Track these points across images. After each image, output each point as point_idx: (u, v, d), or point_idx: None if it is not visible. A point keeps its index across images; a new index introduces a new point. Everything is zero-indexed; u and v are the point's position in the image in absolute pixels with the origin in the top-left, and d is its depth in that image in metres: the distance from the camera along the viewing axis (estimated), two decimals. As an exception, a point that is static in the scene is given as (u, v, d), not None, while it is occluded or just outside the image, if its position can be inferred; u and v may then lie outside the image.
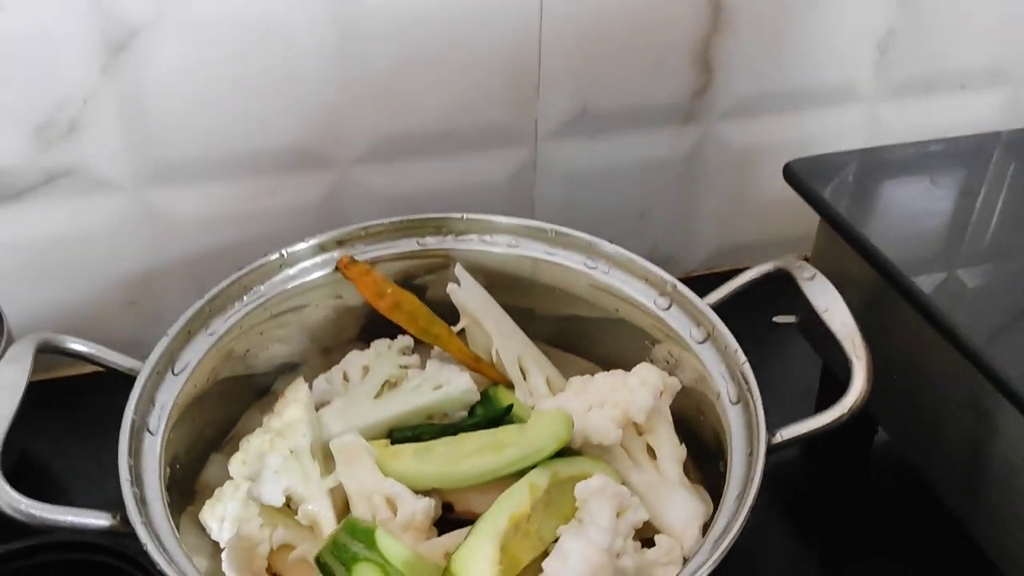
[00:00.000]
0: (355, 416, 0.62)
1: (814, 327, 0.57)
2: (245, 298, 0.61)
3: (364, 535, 0.50)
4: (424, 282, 0.67)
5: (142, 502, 0.48)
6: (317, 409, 0.62)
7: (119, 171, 0.66)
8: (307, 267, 0.63)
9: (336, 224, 0.64)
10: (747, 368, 0.54)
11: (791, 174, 0.62)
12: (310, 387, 0.63)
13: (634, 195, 0.79)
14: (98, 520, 0.47)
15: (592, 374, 0.62)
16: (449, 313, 0.66)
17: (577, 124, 0.74)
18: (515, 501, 0.53)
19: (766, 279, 0.59)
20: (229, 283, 0.60)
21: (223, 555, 0.55)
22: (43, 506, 0.46)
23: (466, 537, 0.51)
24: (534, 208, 0.76)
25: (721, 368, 0.56)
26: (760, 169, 0.80)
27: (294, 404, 0.58)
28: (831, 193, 0.61)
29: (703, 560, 0.46)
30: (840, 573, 0.62)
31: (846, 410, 0.51)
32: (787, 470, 0.50)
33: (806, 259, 0.61)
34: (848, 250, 0.58)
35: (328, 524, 0.55)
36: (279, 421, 0.57)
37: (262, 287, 0.61)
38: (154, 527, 0.47)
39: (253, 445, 0.57)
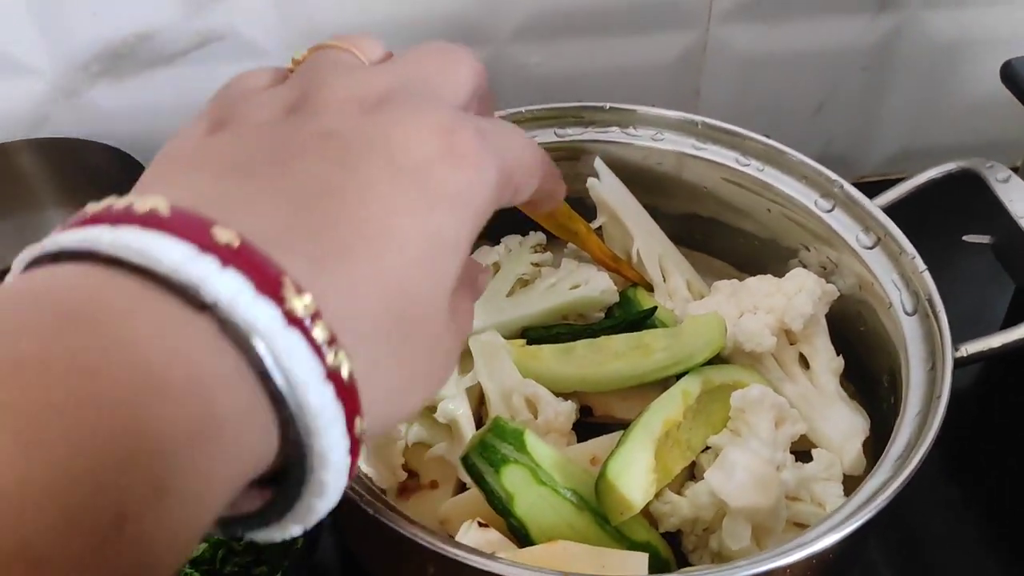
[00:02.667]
0: (488, 314, 0.59)
1: (1012, 248, 0.51)
2: (379, 187, 0.57)
3: (513, 436, 0.48)
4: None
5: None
6: (446, 305, 0.60)
7: (269, 37, 0.63)
8: (442, 155, 0.59)
9: (488, 105, 0.60)
10: (927, 276, 0.50)
11: (1012, 74, 0.56)
12: (439, 282, 0.60)
13: (812, 86, 0.73)
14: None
15: (733, 278, 0.59)
16: (582, 212, 0.62)
17: (757, 5, 0.67)
18: (669, 408, 0.51)
19: (949, 181, 0.53)
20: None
21: (357, 450, 0.54)
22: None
23: (619, 443, 0.48)
24: (699, 98, 0.71)
25: (893, 276, 0.52)
26: (961, 66, 0.73)
27: (431, 299, 0.56)
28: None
29: (884, 479, 0.43)
30: (1010, 521, 0.56)
31: (1044, 326, 0.47)
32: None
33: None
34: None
35: (467, 423, 0.53)
36: (417, 316, 0.55)
37: (396, 175, 0.58)
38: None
39: (390, 339, 0.55)
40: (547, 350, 0.56)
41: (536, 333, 0.59)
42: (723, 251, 0.65)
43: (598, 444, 0.52)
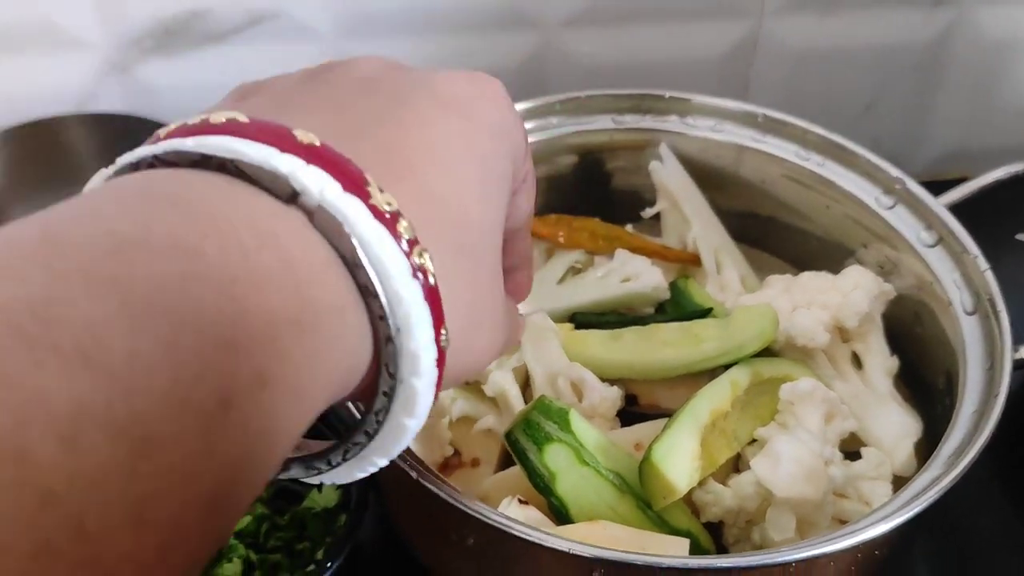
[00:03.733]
0: (536, 299, 0.58)
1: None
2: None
3: (558, 416, 0.48)
4: (612, 168, 0.63)
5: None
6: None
7: (321, 17, 0.64)
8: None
9: (533, 94, 0.60)
10: (989, 275, 0.49)
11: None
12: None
13: (862, 83, 0.72)
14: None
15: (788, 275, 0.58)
16: (634, 205, 0.63)
17: (811, -4, 0.67)
18: (717, 397, 0.50)
19: (1016, 182, 0.52)
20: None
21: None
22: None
23: (666, 427, 0.48)
24: (748, 90, 0.70)
25: (954, 276, 0.51)
26: (1016, 65, 0.71)
27: (482, 278, 0.56)
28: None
29: (936, 475, 0.42)
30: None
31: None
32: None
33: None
34: None
35: (515, 397, 0.53)
36: (467, 293, 0.55)
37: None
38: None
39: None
40: (595, 335, 0.56)
41: (585, 318, 0.59)
42: (780, 249, 0.64)
43: (642, 430, 0.52)
